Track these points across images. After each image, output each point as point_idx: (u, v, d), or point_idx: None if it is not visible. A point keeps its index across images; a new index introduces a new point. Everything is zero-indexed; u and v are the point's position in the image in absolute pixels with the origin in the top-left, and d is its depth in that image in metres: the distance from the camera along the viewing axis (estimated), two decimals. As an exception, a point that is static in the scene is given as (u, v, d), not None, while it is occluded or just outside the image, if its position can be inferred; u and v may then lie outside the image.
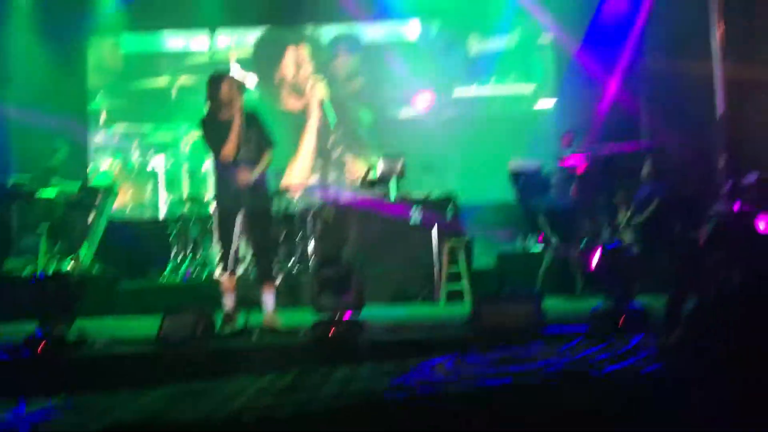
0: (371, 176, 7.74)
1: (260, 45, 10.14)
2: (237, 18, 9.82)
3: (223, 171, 5.11)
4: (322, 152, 9.95)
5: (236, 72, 9.14)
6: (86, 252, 8.17)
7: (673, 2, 7.84)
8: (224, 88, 5.09)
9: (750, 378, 2.52)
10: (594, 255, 4.77)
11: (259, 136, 5.14)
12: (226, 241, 5.12)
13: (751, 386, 2.51)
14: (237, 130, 4.98)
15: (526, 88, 9.81)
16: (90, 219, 8.40)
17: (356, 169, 9.76)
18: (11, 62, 9.13)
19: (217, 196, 5.18)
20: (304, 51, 10.08)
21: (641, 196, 6.78)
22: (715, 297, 2.83)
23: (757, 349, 2.58)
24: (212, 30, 10.01)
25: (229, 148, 5.00)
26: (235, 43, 10.07)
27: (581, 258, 6.69)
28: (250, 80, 9.79)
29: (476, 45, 9.92)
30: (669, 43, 8.03)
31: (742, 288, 2.82)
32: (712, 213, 4.64)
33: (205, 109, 5.23)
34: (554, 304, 5.61)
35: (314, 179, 9.86)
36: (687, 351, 2.71)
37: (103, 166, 9.90)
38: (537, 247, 7.47)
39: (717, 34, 6.97)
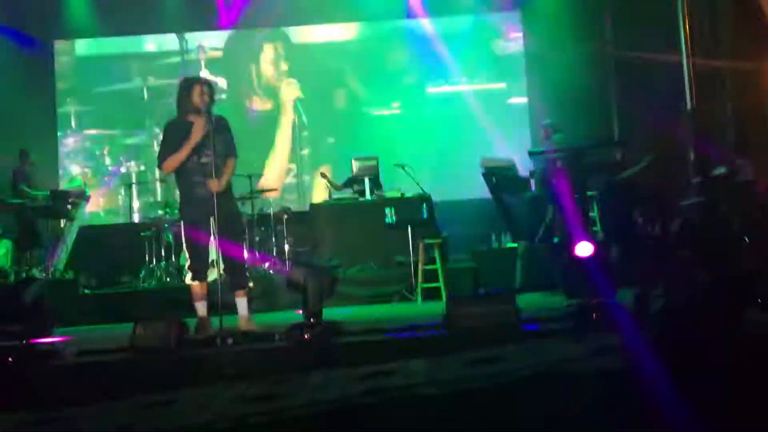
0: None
1: (233, 41, 10.06)
2: (208, 20, 9.74)
3: (188, 177, 5.06)
4: (295, 153, 9.90)
5: (206, 75, 9.10)
6: (57, 260, 8.06)
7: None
8: (195, 93, 5.04)
9: (720, 378, 2.55)
10: (580, 247, 4.73)
11: (226, 144, 5.10)
12: (195, 249, 5.08)
13: (721, 386, 2.53)
14: (195, 140, 4.94)
15: (498, 86, 9.85)
16: (61, 225, 8.30)
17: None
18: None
19: (184, 203, 5.13)
20: (280, 50, 10.02)
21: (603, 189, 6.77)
22: (683, 295, 2.85)
23: (727, 348, 2.60)
24: (182, 32, 9.91)
25: (177, 158, 4.98)
26: (206, 45, 9.98)
27: (555, 252, 6.73)
28: (220, 83, 9.74)
29: (448, 44, 9.93)
30: (638, 37, 8.10)
31: (711, 286, 2.84)
32: (682, 208, 4.68)
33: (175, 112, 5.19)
34: (529, 301, 5.64)
35: (288, 180, 9.81)
36: (655, 349, 2.73)
37: (74, 171, 9.78)
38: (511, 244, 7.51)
39: (684, 28, 7.05)
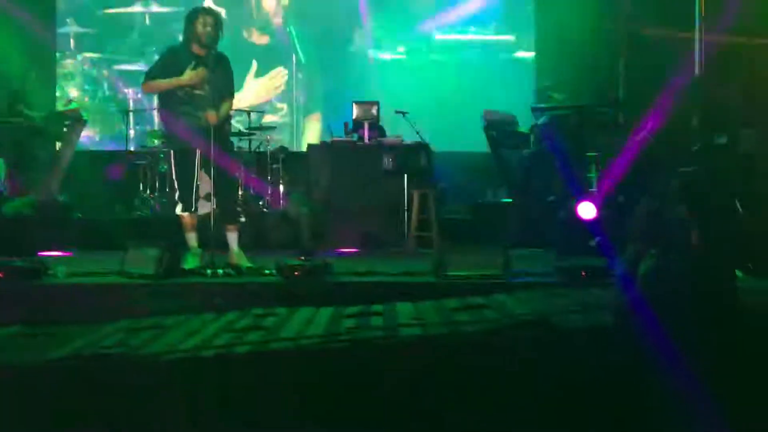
0: None
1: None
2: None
3: (176, 107, 5.02)
4: (289, 94, 9.74)
5: (209, 4, 8.92)
6: (51, 182, 8.01)
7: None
8: (198, 24, 4.99)
9: (704, 340, 2.57)
10: (583, 208, 4.71)
11: (225, 82, 5.06)
12: (184, 179, 5.07)
13: (705, 348, 2.56)
14: (183, 82, 4.91)
15: (506, 38, 9.69)
16: (57, 148, 8.22)
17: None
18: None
19: (171, 133, 5.11)
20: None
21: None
22: (674, 256, 2.86)
23: (711, 310, 2.62)
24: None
25: (158, 86, 4.97)
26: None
27: (551, 209, 6.73)
28: (222, 12, 9.53)
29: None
30: (651, 7, 7.97)
31: (704, 249, 2.85)
32: (682, 171, 4.67)
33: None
34: (521, 255, 5.66)
35: (280, 120, 9.63)
36: (640, 312, 2.75)
37: (71, 94, 9.64)
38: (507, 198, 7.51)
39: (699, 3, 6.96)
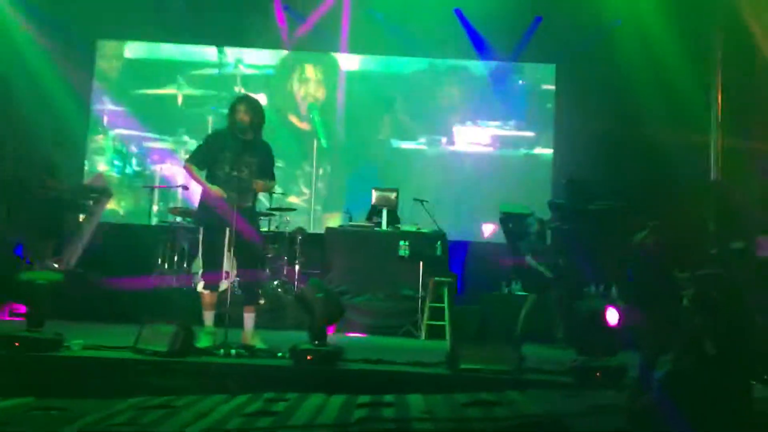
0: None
1: (275, 58, 10.18)
2: (248, 39, 9.86)
3: (218, 185, 5.17)
4: (316, 177, 9.93)
5: (241, 90, 9.25)
6: (72, 253, 8.13)
7: (675, 75, 8.03)
8: (236, 111, 5.21)
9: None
10: (610, 314, 4.71)
11: (261, 166, 5.22)
12: (210, 257, 5.15)
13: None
14: (211, 192, 5.07)
15: (526, 134, 9.90)
16: (81, 219, 8.39)
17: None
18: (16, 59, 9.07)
19: (205, 210, 5.23)
20: (314, 73, 10.12)
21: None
22: (690, 363, 2.86)
23: (726, 417, 2.60)
24: (221, 46, 10.05)
25: (194, 178, 5.15)
26: (245, 60, 10.10)
27: (564, 308, 6.71)
28: (260, 99, 9.84)
29: (479, 87, 10.02)
30: (668, 113, 8.18)
31: (717, 357, 2.85)
32: (698, 276, 4.68)
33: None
34: (533, 351, 5.62)
35: (300, 203, 9.79)
36: (655, 416, 2.73)
37: (99, 168, 9.90)
38: (520, 291, 7.51)
39: (716, 107, 7.15)
